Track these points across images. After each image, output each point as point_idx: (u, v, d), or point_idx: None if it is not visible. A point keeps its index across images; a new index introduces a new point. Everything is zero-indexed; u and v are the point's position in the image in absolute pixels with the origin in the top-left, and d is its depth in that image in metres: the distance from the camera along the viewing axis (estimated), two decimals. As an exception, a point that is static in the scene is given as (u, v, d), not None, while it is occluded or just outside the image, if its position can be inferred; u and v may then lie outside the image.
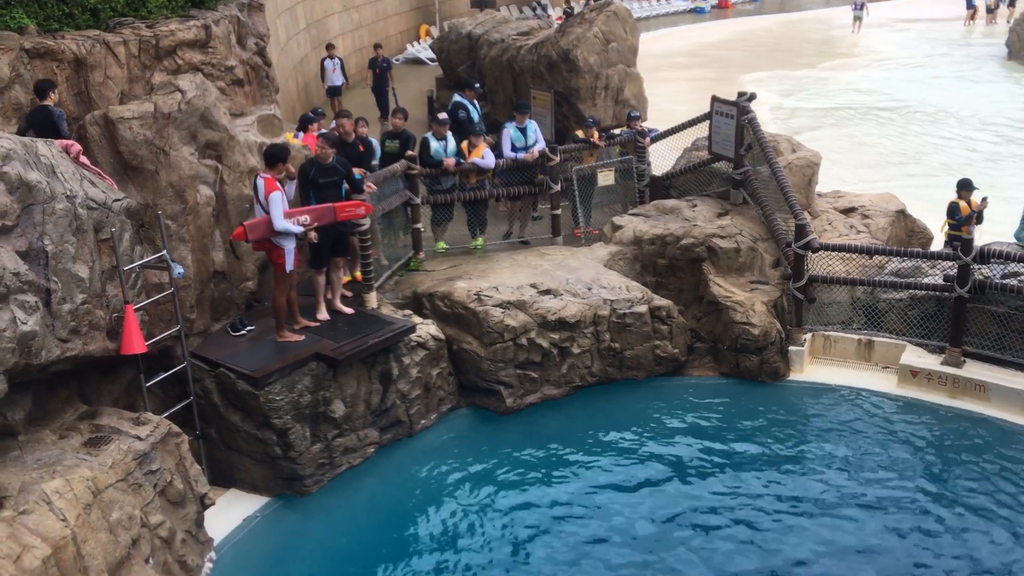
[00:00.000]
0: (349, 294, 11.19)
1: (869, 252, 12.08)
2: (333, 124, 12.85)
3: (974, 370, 11.23)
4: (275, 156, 9.56)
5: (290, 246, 9.53)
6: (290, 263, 9.57)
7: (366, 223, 10.78)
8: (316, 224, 9.74)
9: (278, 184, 9.45)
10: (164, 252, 8.80)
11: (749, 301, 11.87)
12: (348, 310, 10.59)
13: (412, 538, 9.17)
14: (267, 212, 9.35)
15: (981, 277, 11.20)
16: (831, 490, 9.72)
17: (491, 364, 11.00)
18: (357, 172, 11.19)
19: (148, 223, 9.19)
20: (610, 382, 11.65)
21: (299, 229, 9.50)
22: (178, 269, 8.98)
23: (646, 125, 15.06)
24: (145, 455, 7.99)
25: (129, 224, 8.67)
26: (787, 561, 8.76)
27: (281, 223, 9.34)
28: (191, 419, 9.39)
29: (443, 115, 13.36)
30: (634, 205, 13.92)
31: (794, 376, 11.83)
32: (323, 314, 10.40)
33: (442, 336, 10.99)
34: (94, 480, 7.32)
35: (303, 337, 9.90)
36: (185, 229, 9.58)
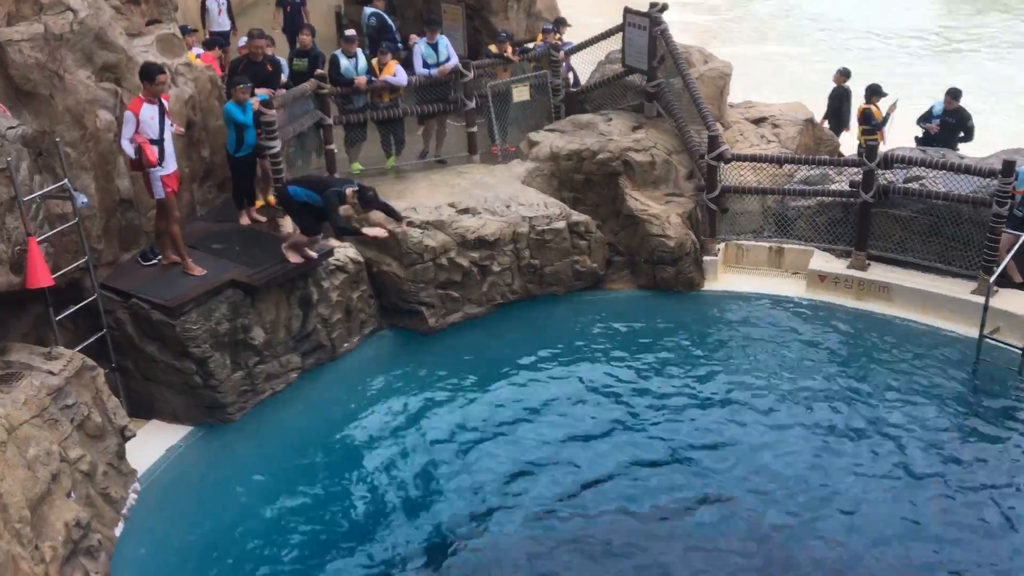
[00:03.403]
0: (263, 219, 10.99)
1: (779, 161, 12.35)
2: (242, 42, 12.38)
3: (878, 273, 11.69)
4: (141, 74, 9.16)
5: (155, 172, 9.19)
6: (156, 190, 9.25)
7: (276, 146, 10.53)
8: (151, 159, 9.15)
9: (141, 103, 9.02)
10: (65, 181, 8.46)
11: (665, 214, 12.04)
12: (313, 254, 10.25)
13: (339, 461, 9.25)
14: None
15: (885, 182, 11.57)
16: (747, 392, 10.11)
17: (412, 285, 10.99)
18: (265, 92, 10.87)
19: (46, 151, 8.77)
20: (531, 299, 11.77)
21: (131, 151, 9.05)
22: (81, 198, 8.66)
23: (563, 38, 14.90)
24: (60, 390, 7.82)
25: (26, 153, 8.29)
26: (709, 464, 9.14)
27: (122, 141, 9.05)
28: (106, 352, 9.18)
29: (351, 32, 12.99)
30: (550, 121, 13.86)
31: (709, 285, 12.13)
32: (297, 257, 10.09)
33: (361, 259, 10.90)
34: (7, 417, 7.16)
35: (204, 271, 9.64)
36: (86, 156, 9.20)
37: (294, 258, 9.92)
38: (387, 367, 10.63)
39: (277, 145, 10.58)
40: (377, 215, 10.31)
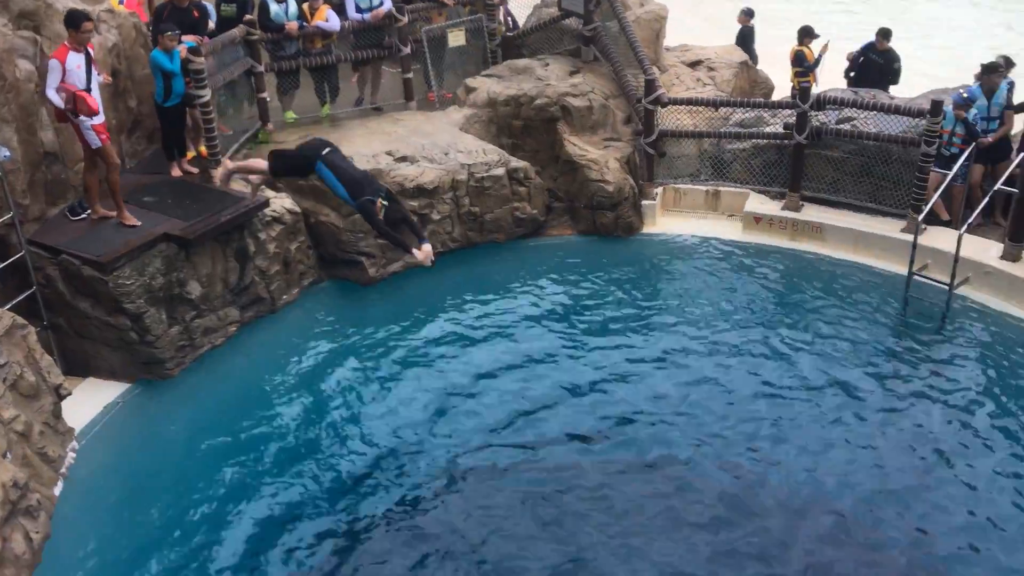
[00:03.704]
0: (195, 171, 10.74)
1: (715, 104, 12.43)
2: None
3: (811, 213, 11.92)
4: (66, 21, 8.82)
5: (87, 122, 8.89)
6: (91, 140, 8.98)
7: (206, 94, 10.25)
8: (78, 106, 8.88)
9: (67, 51, 8.70)
10: (-16, 134, 8.14)
11: (603, 159, 12.07)
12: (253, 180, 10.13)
13: (281, 415, 9.19)
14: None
15: (818, 124, 11.74)
16: (686, 333, 10.29)
17: (351, 235, 10.88)
18: (192, 39, 10.55)
19: (-38, 103, 8.44)
20: (472, 246, 11.75)
21: (58, 101, 8.76)
22: (3, 152, 8.34)
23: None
24: (-11, 350, 7.62)
25: (-61, 105, 7.95)
26: (650, 400, 9.31)
27: (47, 91, 8.75)
28: (36, 309, 8.94)
29: (281, -25, 12.62)
30: (486, 66, 13.72)
31: (647, 229, 12.24)
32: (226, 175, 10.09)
33: (298, 209, 10.73)
34: (-66, 379, 6.96)
35: (139, 223, 9.43)
36: (6, 108, 8.84)
37: (221, 173, 9.82)
38: (328, 318, 10.56)
39: (207, 94, 10.30)
40: None
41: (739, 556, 7.53)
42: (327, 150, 8.85)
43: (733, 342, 10.13)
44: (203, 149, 10.80)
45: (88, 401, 8.98)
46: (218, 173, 9.86)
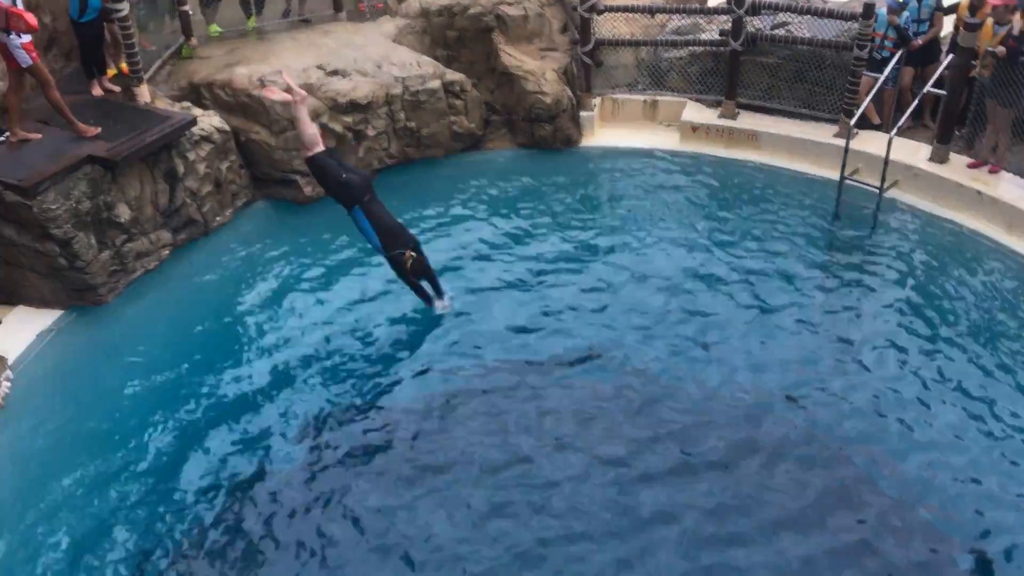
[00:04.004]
0: (117, 89, 10.34)
1: (651, 11, 12.28)
2: None
3: (747, 121, 11.98)
4: None
5: (15, 40, 8.50)
6: (22, 59, 8.60)
7: (124, 8, 9.81)
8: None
9: None
10: None
11: (540, 69, 11.91)
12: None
13: (217, 337, 9.10)
14: None
15: (753, 29, 11.70)
16: (626, 243, 10.38)
17: (283, 153, 10.64)
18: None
19: None
20: (409, 162, 11.61)
21: None
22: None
23: None
24: (-91, 280, 7.36)
25: None
26: (591, 309, 9.42)
27: None
28: (-43, 239, 8.66)
29: None
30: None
31: (586, 141, 12.19)
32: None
33: (227, 127, 10.44)
34: None
35: (39, 136, 9.09)
36: (-93, 26, 8.38)
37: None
38: (263, 239, 10.39)
39: (125, 8, 9.85)
40: None
41: (662, 440, 7.78)
42: (368, 197, 8.73)
43: (670, 251, 10.24)
44: (124, 66, 10.38)
45: (21, 330, 8.80)
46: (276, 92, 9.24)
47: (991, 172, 10.53)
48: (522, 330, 9.13)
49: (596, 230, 10.65)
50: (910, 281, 9.70)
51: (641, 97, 12.54)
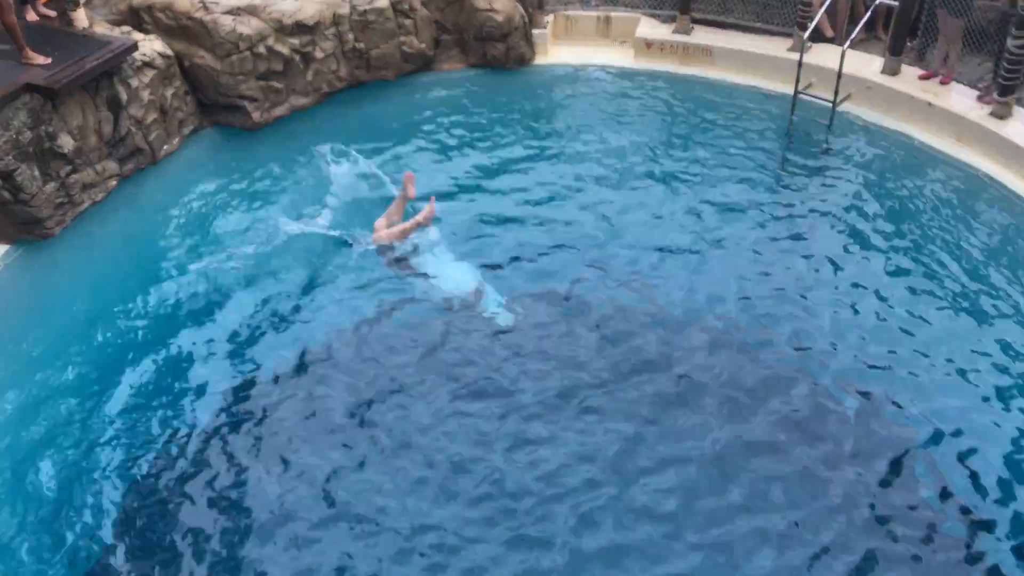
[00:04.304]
0: (52, 14, 9.94)
1: (603, -76, 12.04)
2: None
3: (701, 36, 11.87)
4: None
5: None
6: None
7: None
8: None
9: None
10: None
11: (490, -14, 11.65)
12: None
13: (168, 267, 9.00)
14: None
15: (706, -58, 11.53)
16: (581, 160, 10.37)
17: (230, 78, 10.36)
18: None
19: None
20: (359, 85, 11.37)
21: None
22: None
23: None
24: None
25: None
26: (550, 218, 9.51)
27: None
28: None
29: None
30: None
31: (540, 60, 12.03)
32: None
33: (170, 52, 10.12)
34: None
35: (49, 59, 8.84)
36: None
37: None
38: (212, 167, 10.20)
39: (54, -73, 9.43)
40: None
41: (607, 350, 7.96)
42: None
43: (625, 168, 10.25)
44: (58, -11, 9.98)
45: (-34, 267, 8.62)
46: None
47: (942, 83, 10.59)
48: (482, 236, 9.16)
49: (551, 151, 10.59)
50: (862, 193, 9.80)
51: (594, 13, 12.35)
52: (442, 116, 11.13)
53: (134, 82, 9.68)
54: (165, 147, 10.14)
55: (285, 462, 7.13)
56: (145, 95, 9.79)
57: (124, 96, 9.58)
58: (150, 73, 9.85)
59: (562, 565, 6.35)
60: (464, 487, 6.86)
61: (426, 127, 10.95)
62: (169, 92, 10.10)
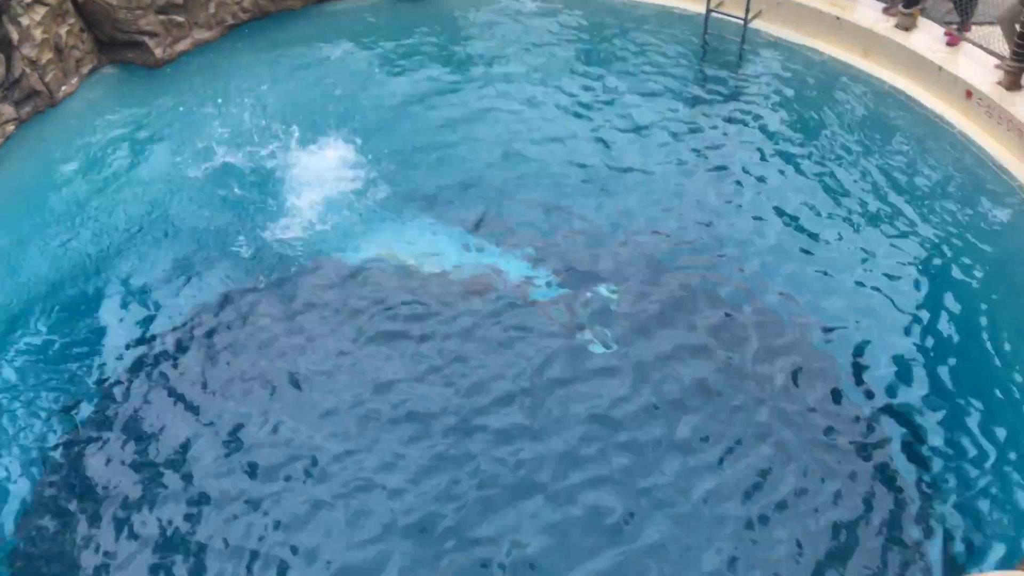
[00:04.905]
0: (-70, -50, 9.45)
1: None
2: None
3: (613, -44, 11.72)
4: None
5: None
6: None
7: None
8: None
9: None
10: None
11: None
12: None
13: (70, 213, 8.81)
14: None
15: None
16: (497, 83, 10.33)
17: (127, 13, 10.00)
18: None
19: None
20: (265, 16, 11.08)
21: None
22: None
23: None
24: None
25: None
26: (472, 138, 9.56)
27: None
28: None
29: None
30: None
31: (449, -15, 11.81)
32: None
33: (61, -13, 9.72)
34: None
35: None
36: None
37: None
38: (113, 106, 9.90)
39: None
40: None
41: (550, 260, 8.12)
42: None
43: (539, 94, 10.18)
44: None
45: None
46: None
47: (848, -4, 10.65)
48: (396, 183, 9.06)
49: (466, 78, 10.46)
50: (777, 110, 9.88)
51: (505, -64, 12.10)
52: (352, 44, 10.90)
53: (25, 20, 9.31)
54: (64, 88, 9.81)
55: (195, 410, 7.11)
56: (38, 34, 9.42)
57: (15, 36, 9.21)
58: (41, 10, 9.47)
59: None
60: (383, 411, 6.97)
61: (335, 57, 10.71)
62: (63, 30, 9.73)
